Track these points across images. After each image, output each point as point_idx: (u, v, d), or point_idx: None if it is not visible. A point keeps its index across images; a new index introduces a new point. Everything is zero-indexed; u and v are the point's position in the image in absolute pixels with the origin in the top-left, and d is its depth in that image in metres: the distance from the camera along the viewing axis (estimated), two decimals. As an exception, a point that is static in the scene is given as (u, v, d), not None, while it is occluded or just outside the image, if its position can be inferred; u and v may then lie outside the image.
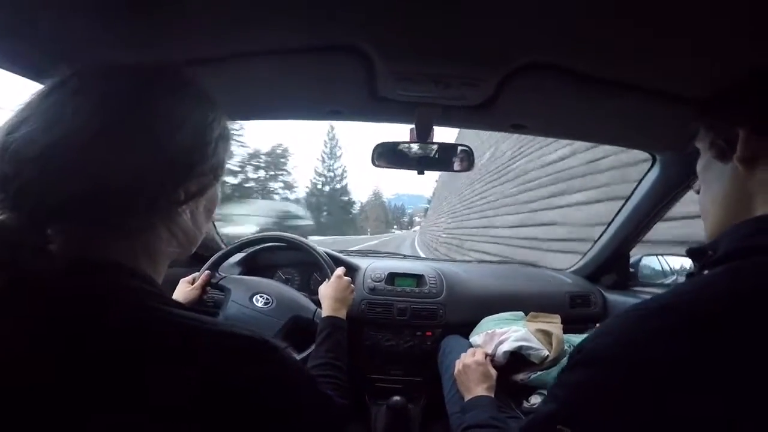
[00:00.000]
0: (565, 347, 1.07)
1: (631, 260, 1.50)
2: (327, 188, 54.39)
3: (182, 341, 0.40)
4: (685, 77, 0.68)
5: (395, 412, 1.29)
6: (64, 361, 0.36)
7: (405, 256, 1.95)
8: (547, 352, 1.05)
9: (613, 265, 1.53)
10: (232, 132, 0.53)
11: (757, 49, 0.54)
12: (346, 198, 56.68)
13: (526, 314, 1.27)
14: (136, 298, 0.41)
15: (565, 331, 1.14)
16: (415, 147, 1.12)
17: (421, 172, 1.14)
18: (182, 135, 0.44)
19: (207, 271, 1.21)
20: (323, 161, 55.35)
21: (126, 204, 0.41)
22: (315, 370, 0.78)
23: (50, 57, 0.63)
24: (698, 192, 0.54)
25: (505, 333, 1.12)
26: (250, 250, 1.53)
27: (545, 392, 1.00)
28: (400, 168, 1.15)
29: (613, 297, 1.48)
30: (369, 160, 1.12)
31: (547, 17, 0.56)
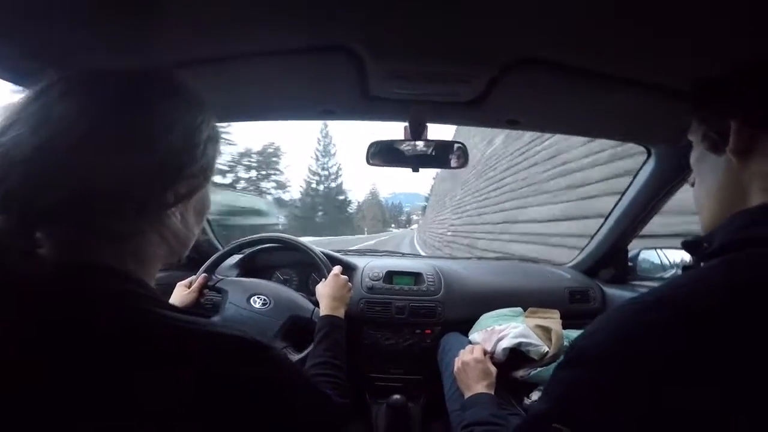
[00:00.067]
0: (565, 343, 1.07)
1: (630, 254, 1.50)
2: (321, 187, 53.85)
3: (175, 343, 0.40)
4: (677, 70, 0.67)
5: (395, 411, 1.30)
6: (54, 366, 0.35)
7: (403, 254, 1.94)
8: (546, 348, 1.05)
9: (611, 259, 1.53)
10: (221, 133, 0.53)
11: (755, 38, 0.54)
12: (342, 197, 56.25)
13: (525, 310, 1.27)
14: (127, 301, 0.41)
15: (565, 327, 1.13)
16: (409, 145, 1.12)
17: (415, 170, 1.14)
18: (170, 137, 0.44)
19: (203, 274, 1.21)
20: (317, 159, 54.90)
21: (114, 207, 0.41)
22: (314, 369, 0.78)
23: (37, 61, 0.63)
24: (693, 185, 0.54)
25: (504, 330, 1.11)
26: (248, 251, 1.53)
27: (546, 388, 0.99)
28: (395, 166, 1.15)
29: (612, 291, 1.48)
30: (364, 159, 1.12)
31: (538, 13, 0.56)
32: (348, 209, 59.74)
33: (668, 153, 1.14)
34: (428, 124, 1.02)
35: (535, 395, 1.01)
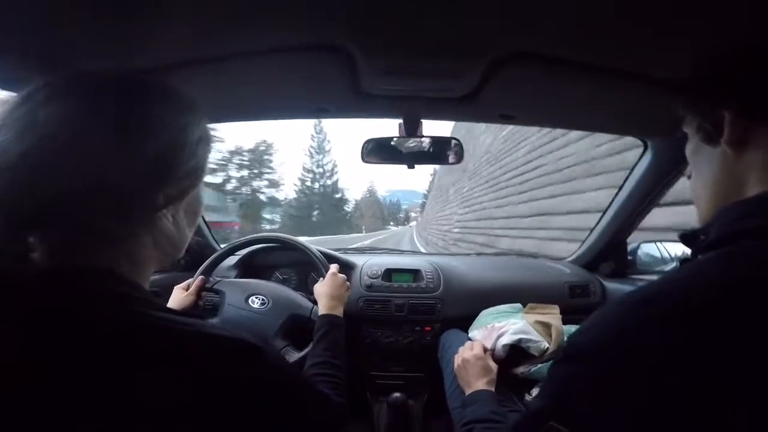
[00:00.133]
0: (565, 338, 1.06)
1: (629, 248, 1.50)
2: (317, 185, 52.81)
3: (171, 345, 0.40)
4: (671, 62, 0.67)
5: (396, 409, 1.30)
6: (53, 367, 0.35)
7: (402, 252, 1.94)
8: (546, 344, 1.04)
9: (610, 253, 1.52)
10: (212, 134, 0.53)
11: (753, 26, 0.53)
12: (339, 195, 55.40)
13: (525, 306, 1.26)
14: (121, 304, 0.41)
15: (565, 322, 1.13)
16: (404, 141, 1.12)
17: (411, 167, 1.14)
18: (158, 139, 0.44)
19: (201, 277, 1.21)
20: (311, 156, 53.58)
21: (104, 210, 0.41)
22: (312, 369, 0.78)
23: (26, 66, 0.62)
24: (689, 177, 0.53)
25: (504, 326, 1.11)
26: (245, 251, 1.53)
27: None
28: (390, 163, 1.15)
29: (612, 285, 1.48)
30: (359, 157, 1.11)
31: (528, 7, 0.55)
32: (345, 207, 59.09)
33: (665, 146, 1.14)
34: (423, 121, 1.02)
35: (536, 391, 1.01)
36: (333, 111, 1.03)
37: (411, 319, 1.40)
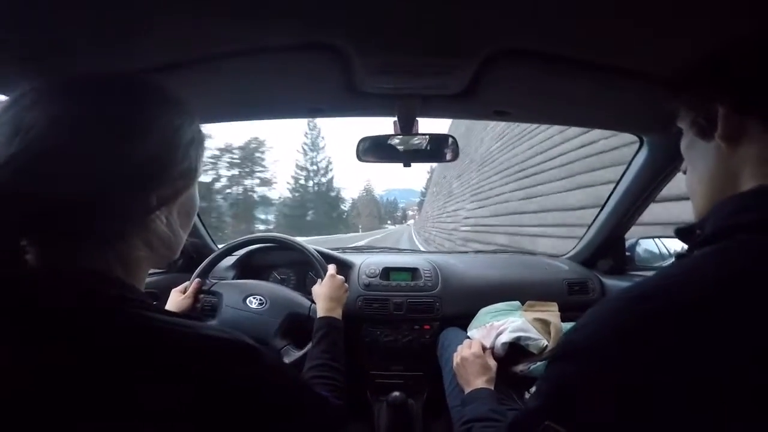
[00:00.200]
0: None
1: (627, 244, 1.50)
2: (311, 183, 51.69)
3: (169, 346, 0.40)
4: (665, 58, 0.67)
5: (395, 408, 1.29)
6: (52, 368, 0.35)
7: (400, 250, 1.94)
8: (545, 342, 1.04)
9: (608, 249, 1.52)
10: (205, 135, 0.53)
11: (749, 20, 0.52)
12: (334, 194, 54.58)
13: (523, 303, 1.26)
14: (116, 306, 0.41)
15: (564, 319, 1.13)
16: (400, 139, 1.11)
17: (407, 165, 1.14)
18: (148, 141, 0.44)
19: (197, 279, 1.20)
20: (305, 153, 52.53)
21: (95, 213, 0.41)
22: (311, 372, 0.78)
23: (16, 68, 0.61)
24: (685, 172, 0.53)
25: (502, 325, 1.11)
26: (242, 252, 1.52)
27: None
28: (386, 162, 1.14)
29: (611, 282, 1.48)
30: (354, 155, 1.11)
31: (520, 3, 0.55)
32: (341, 206, 58.29)
33: (661, 141, 1.14)
34: (419, 118, 1.01)
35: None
36: (327, 110, 1.02)
37: (410, 318, 1.40)
